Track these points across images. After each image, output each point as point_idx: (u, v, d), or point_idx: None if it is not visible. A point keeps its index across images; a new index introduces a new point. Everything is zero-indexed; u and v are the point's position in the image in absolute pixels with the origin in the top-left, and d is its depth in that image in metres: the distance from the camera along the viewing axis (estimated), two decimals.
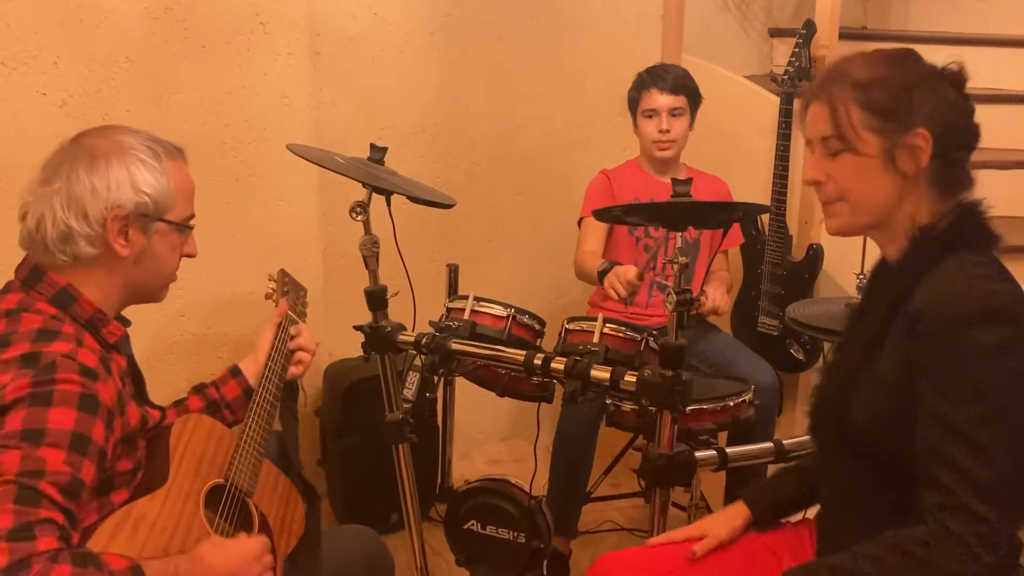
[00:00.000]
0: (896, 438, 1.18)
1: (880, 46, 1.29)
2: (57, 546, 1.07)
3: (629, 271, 2.12)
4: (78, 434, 1.16)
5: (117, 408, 1.27)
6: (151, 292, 1.43)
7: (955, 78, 1.23)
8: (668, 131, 2.51)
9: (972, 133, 1.24)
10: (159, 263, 1.39)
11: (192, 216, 1.43)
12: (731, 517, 1.50)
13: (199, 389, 1.65)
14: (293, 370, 1.69)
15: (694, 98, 2.55)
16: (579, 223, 2.64)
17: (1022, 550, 1.22)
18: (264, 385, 1.57)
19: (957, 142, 1.23)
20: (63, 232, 1.28)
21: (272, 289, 1.77)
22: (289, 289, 1.79)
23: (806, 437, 1.59)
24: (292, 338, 1.69)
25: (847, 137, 1.22)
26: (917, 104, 1.20)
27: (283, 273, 1.82)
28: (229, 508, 1.39)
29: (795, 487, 1.52)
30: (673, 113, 2.52)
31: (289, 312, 1.72)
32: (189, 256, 1.46)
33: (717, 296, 2.43)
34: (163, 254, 1.39)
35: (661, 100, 2.51)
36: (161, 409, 1.55)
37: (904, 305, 1.19)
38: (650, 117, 2.53)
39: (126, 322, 1.42)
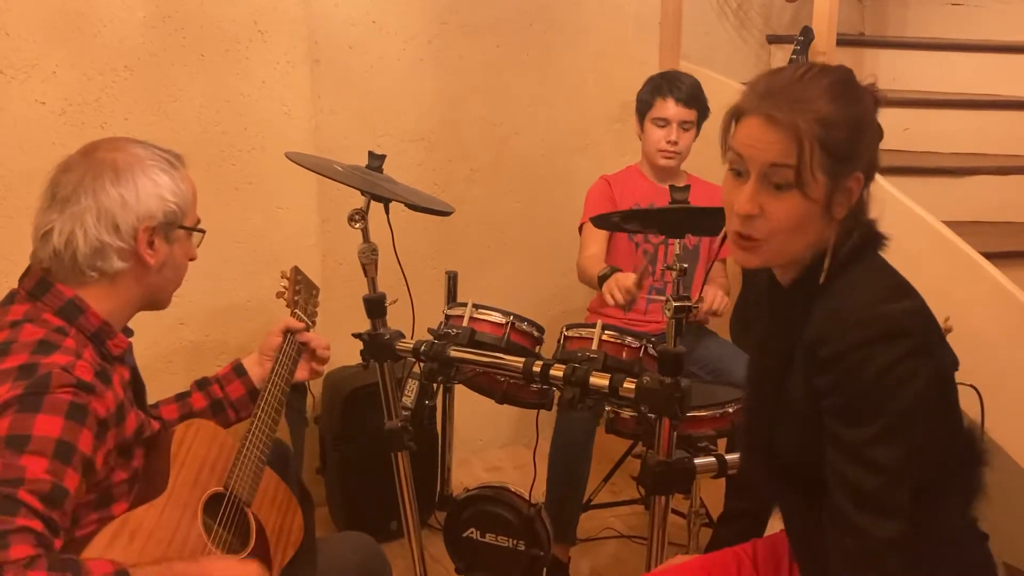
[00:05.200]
0: (815, 463, 1.18)
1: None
2: (33, 553, 1.06)
3: (627, 278, 2.12)
4: (63, 442, 1.15)
5: (113, 419, 1.27)
6: (164, 299, 1.46)
7: (877, 102, 1.17)
8: (676, 143, 2.52)
9: (878, 164, 1.19)
10: (177, 269, 1.44)
11: (199, 220, 1.47)
12: None
13: (202, 385, 1.65)
14: (316, 368, 1.71)
15: (704, 113, 2.56)
16: (580, 229, 2.64)
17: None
18: (269, 390, 1.57)
19: (873, 177, 1.18)
20: (95, 248, 1.30)
21: (284, 287, 1.76)
22: (301, 288, 1.79)
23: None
24: (303, 345, 1.70)
25: (803, 177, 1.11)
26: (864, 147, 1.14)
27: (296, 271, 1.81)
28: (228, 516, 1.39)
29: (741, 530, 1.54)
30: (683, 126, 2.52)
31: (299, 312, 1.72)
32: (191, 259, 1.48)
33: (716, 298, 2.43)
34: (180, 260, 1.43)
35: (675, 111, 2.50)
36: (159, 418, 1.55)
37: (802, 332, 1.17)
38: (661, 126, 2.52)
39: (129, 332, 1.43)
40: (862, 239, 1.18)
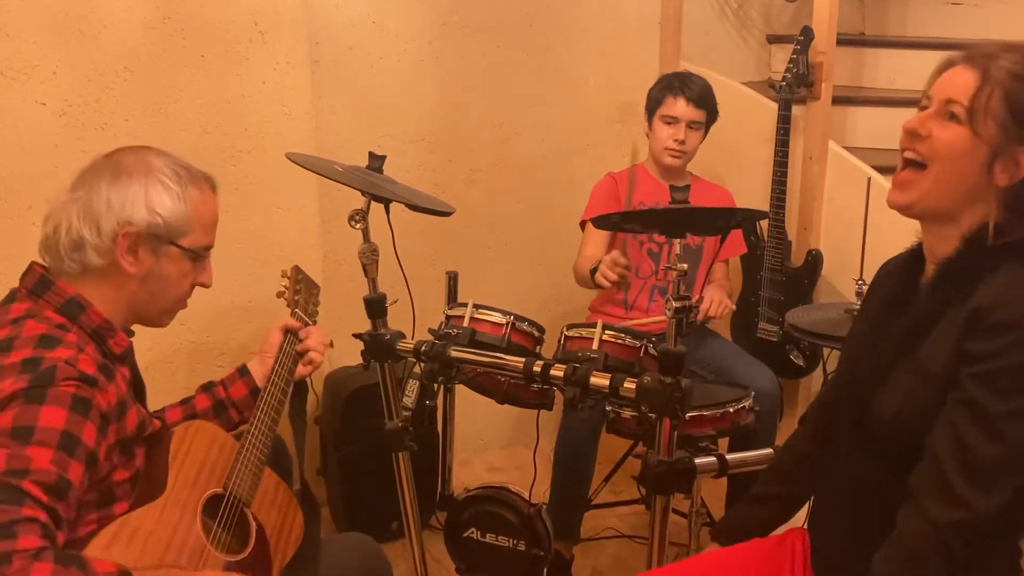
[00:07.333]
0: (921, 429, 1.18)
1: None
2: (40, 544, 1.07)
3: (614, 253, 2.18)
4: (67, 434, 1.16)
5: (114, 414, 1.27)
6: (154, 315, 1.44)
7: None
8: (684, 142, 2.52)
9: None
10: (165, 286, 1.41)
11: (209, 246, 1.44)
12: None
13: (207, 387, 1.66)
14: (302, 371, 1.70)
15: (712, 115, 2.57)
16: (582, 226, 2.64)
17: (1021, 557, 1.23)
18: (269, 390, 1.57)
19: None
20: (75, 241, 1.31)
21: (284, 287, 1.76)
22: (302, 287, 1.79)
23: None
24: (301, 341, 1.70)
25: (975, 113, 1.17)
26: None
27: (296, 270, 1.81)
28: (227, 517, 1.39)
29: (768, 515, 1.54)
30: (692, 126, 2.52)
31: (299, 312, 1.72)
32: (202, 285, 1.47)
33: (714, 303, 2.43)
34: (171, 278, 1.41)
35: (685, 110, 2.50)
36: (162, 419, 1.55)
37: (960, 302, 1.18)
38: (669, 124, 2.53)
39: (130, 332, 1.43)
40: None
